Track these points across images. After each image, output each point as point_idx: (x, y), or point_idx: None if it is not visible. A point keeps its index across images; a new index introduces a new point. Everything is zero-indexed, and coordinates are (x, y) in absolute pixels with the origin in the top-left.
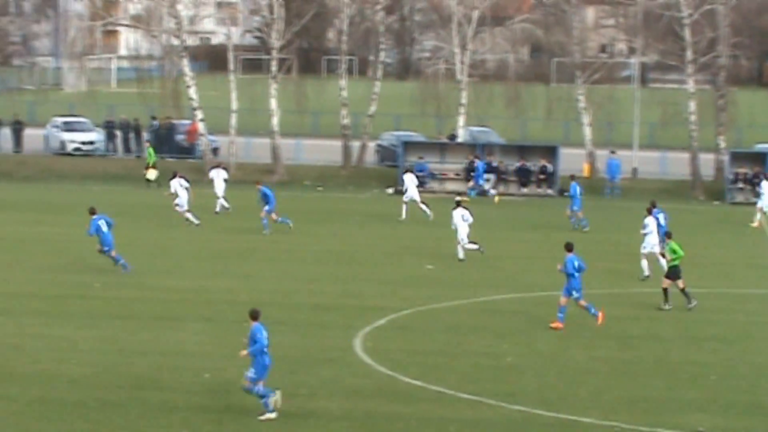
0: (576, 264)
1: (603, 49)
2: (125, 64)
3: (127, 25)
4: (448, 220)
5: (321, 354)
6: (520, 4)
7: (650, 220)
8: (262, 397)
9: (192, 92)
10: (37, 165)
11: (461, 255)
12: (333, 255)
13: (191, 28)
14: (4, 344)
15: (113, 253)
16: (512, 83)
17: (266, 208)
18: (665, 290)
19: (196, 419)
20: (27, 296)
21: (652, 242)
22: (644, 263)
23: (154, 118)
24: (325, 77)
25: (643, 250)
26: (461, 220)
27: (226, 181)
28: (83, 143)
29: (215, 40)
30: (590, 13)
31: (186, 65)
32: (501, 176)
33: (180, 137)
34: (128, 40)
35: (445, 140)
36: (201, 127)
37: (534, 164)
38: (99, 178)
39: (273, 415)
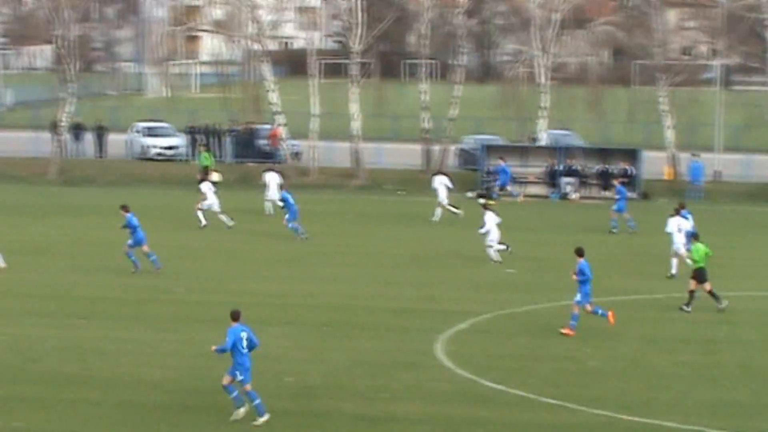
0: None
1: (685, 51)
2: (207, 69)
3: (208, 31)
4: (527, 224)
5: (402, 358)
6: (601, 6)
7: (672, 221)
8: (231, 393)
9: (273, 97)
10: (119, 170)
11: (499, 252)
12: (413, 258)
13: (272, 33)
14: (87, 348)
15: (132, 255)
16: (594, 86)
17: (287, 216)
18: (692, 293)
19: (277, 423)
20: (109, 300)
21: (678, 241)
22: (687, 261)
23: (233, 121)
24: (405, 81)
25: (678, 251)
26: (495, 221)
27: (280, 185)
28: (165, 148)
29: (296, 45)
30: (672, 15)
31: (267, 70)
32: (582, 179)
33: (262, 142)
34: (209, 45)
35: (526, 143)
36: (282, 131)
37: (615, 167)
38: (181, 183)
39: (242, 411)
